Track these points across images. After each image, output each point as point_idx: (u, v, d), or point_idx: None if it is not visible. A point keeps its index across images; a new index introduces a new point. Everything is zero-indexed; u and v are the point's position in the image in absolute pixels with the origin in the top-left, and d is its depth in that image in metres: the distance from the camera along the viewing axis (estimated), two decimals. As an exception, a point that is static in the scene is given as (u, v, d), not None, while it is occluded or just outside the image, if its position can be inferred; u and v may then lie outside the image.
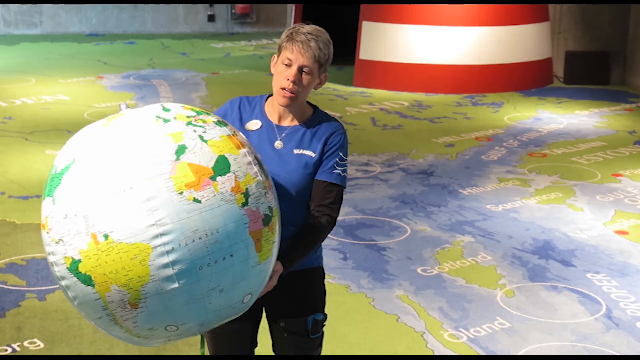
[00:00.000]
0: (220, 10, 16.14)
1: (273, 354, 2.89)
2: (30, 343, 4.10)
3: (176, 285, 2.18)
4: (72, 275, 2.22)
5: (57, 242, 2.23)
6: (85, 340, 4.12)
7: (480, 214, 6.11)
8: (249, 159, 2.34)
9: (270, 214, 2.35)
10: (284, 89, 2.62)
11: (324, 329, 2.87)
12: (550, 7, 11.57)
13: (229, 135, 2.35)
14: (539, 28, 11.15)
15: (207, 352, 2.86)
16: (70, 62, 12.27)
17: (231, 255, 2.23)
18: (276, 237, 2.39)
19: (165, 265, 2.17)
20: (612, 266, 5.23)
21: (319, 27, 2.66)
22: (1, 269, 4.96)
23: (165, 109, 2.34)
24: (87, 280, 2.20)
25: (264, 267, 2.35)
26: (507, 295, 4.80)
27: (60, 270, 2.25)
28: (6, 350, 4.04)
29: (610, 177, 7.10)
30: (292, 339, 2.79)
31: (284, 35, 2.64)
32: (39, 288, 4.70)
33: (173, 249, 2.17)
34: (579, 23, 11.54)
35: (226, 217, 2.22)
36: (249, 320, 2.79)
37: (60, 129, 8.21)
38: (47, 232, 2.26)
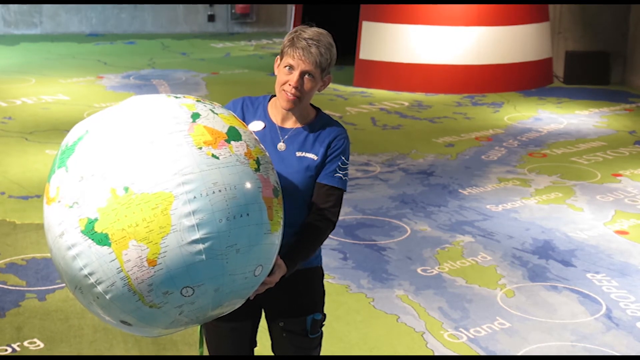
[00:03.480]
0: (220, 10, 16.14)
1: (272, 353, 2.89)
2: (30, 343, 4.10)
3: (197, 236, 2.19)
4: (87, 237, 2.20)
5: (71, 207, 2.23)
6: (85, 340, 4.12)
7: (480, 214, 6.11)
8: (255, 136, 2.47)
9: (278, 188, 2.44)
10: (287, 93, 2.63)
11: (324, 328, 2.87)
12: (550, 7, 11.57)
13: (235, 116, 2.48)
14: (538, 28, 11.15)
15: (206, 352, 2.87)
16: (70, 62, 12.27)
17: (247, 214, 2.27)
18: (282, 215, 2.44)
19: (187, 215, 2.19)
20: (612, 266, 5.23)
21: (321, 30, 2.66)
22: (1, 269, 4.96)
23: (174, 96, 2.44)
24: (103, 239, 2.19)
25: (274, 239, 2.38)
26: (507, 295, 4.80)
27: (71, 237, 2.23)
28: (6, 350, 4.04)
29: (610, 177, 7.10)
30: (291, 339, 2.79)
31: (286, 39, 2.65)
32: (39, 288, 4.70)
33: (195, 197, 2.20)
34: (579, 23, 11.54)
35: (242, 176, 2.29)
36: (248, 320, 2.80)
37: (60, 129, 8.21)
38: (59, 202, 2.26)
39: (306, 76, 2.62)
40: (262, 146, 2.47)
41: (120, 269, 2.20)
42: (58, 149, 2.40)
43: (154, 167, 2.20)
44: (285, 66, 2.63)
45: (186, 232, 2.19)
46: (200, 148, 2.25)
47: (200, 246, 2.20)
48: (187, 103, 2.37)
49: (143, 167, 2.20)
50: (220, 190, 2.23)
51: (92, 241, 2.20)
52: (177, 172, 2.20)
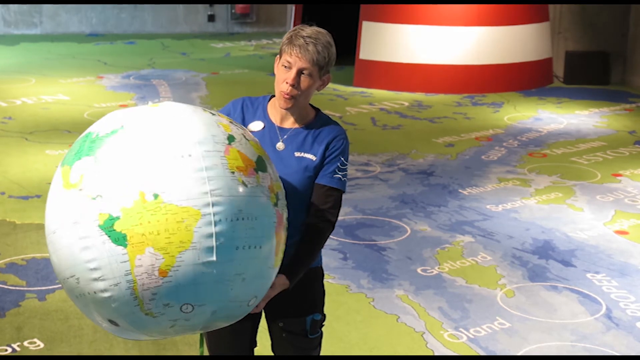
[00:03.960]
0: (220, 10, 16.14)
1: (272, 354, 2.89)
2: (30, 343, 4.10)
3: (213, 258, 2.20)
4: (103, 233, 2.18)
5: (94, 198, 2.20)
6: (85, 340, 4.12)
7: (480, 214, 6.11)
8: (275, 170, 2.50)
9: (288, 226, 2.48)
10: (284, 92, 2.64)
11: (324, 329, 2.87)
12: (550, 7, 11.57)
13: (260, 145, 2.49)
14: (538, 28, 11.15)
15: (206, 352, 2.87)
16: (70, 62, 12.27)
17: (260, 247, 2.30)
18: (284, 251, 2.48)
19: (209, 235, 2.20)
20: (612, 266, 5.23)
21: (319, 29, 2.66)
22: (1, 269, 4.96)
23: (210, 112, 2.45)
24: (120, 239, 2.17)
25: (273, 273, 2.42)
26: (507, 295, 4.80)
27: (86, 228, 2.20)
28: (6, 350, 4.04)
29: (610, 177, 7.10)
30: (291, 339, 2.80)
31: (284, 38, 2.66)
32: (39, 288, 4.70)
33: (220, 220, 2.21)
34: (579, 23, 11.54)
35: (263, 208, 2.32)
36: (248, 320, 2.80)
37: (60, 129, 8.21)
38: (80, 189, 2.23)
39: (303, 74, 2.62)
40: (281, 182, 2.50)
41: (129, 271, 2.18)
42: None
43: (187, 181, 2.20)
44: (283, 64, 2.63)
45: (203, 252, 2.20)
46: (233, 172, 2.27)
47: (213, 269, 2.22)
48: (222, 122, 2.37)
49: (177, 179, 2.19)
50: (242, 219, 2.26)
51: (108, 238, 2.18)
52: (209, 192, 2.21)
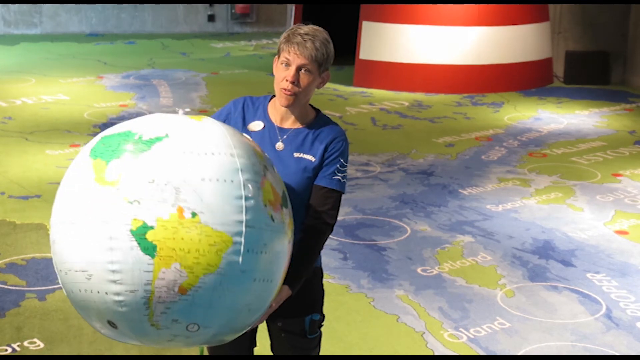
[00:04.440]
0: (220, 10, 16.14)
1: (272, 354, 2.89)
2: (30, 343, 4.10)
3: (234, 286, 2.24)
4: (132, 239, 2.16)
5: (130, 202, 2.17)
6: (85, 340, 4.12)
7: (480, 214, 6.11)
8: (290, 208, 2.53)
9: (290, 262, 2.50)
10: (284, 89, 2.64)
11: (324, 329, 2.87)
12: (550, 7, 11.57)
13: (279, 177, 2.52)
14: (538, 28, 11.15)
15: (206, 352, 2.87)
16: (70, 62, 12.27)
17: (271, 281, 2.35)
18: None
19: (235, 263, 2.21)
20: (612, 266, 5.23)
21: (317, 27, 2.67)
22: (1, 269, 4.96)
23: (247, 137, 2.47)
24: (149, 248, 2.16)
25: (269, 306, 2.46)
26: (507, 295, 4.80)
27: (116, 230, 2.17)
28: (6, 350, 4.04)
29: (610, 177, 7.10)
30: (290, 339, 2.79)
31: (282, 37, 2.67)
32: (39, 288, 4.70)
33: (247, 251, 2.24)
34: (579, 23, 11.54)
35: (283, 245, 2.37)
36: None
37: (60, 129, 8.21)
38: (117, 190, 2.19)
39: (302, 71, 2.63)
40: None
41: (150, 282, 2.17)
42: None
43: (226, 206, 2.21)
44: (282, 63, 2.64)
45: (226, 279, 2.22)
46: (265, 206, 2.30)
47: (229, 296, 2.24)
48: (257, 149, 2.40)
49: (216, 202, 2.20)
50: (266, 252, 2.29)
51: (137, 245, 2.16)
52: (243, 221, 2.23)
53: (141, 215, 2.16)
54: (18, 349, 4.05)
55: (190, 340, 2.30)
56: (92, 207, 2.21)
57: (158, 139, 2.25)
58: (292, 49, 2.61)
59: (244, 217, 2.23)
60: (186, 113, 2.45)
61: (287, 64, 2.63)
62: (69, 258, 2.27)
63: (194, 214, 2.17)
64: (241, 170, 2.26)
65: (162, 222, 2.16)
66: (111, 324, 2.29)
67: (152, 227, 2.16)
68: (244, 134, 2.47)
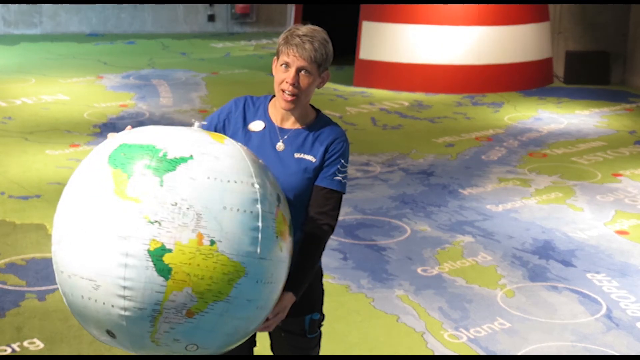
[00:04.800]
0: (220, 10, 16.14)
1: (272, 353, 2.89)
2: (30, 343, 4.10)
3: (239, 314, 2.27)
4: (149, 259, 2.15)
5: (151, 223, 2.16)
6: (85, 340, 4.12)
7: (480, 214, 6.11)
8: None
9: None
10: (284, 91, 2.63)
11: (324, 329, 2.87)
12: (550, 7, 11.57)
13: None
14: (538, 28, 11.15)
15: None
16: (70, 62, 12.27)
17: (267, 308, 2.38)
18: None
19: (245, 293, 2.25)
20: (612, 266, 5.23)
21: (315, 27, 2.66)
22: (1, 269, 4.96)
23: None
24: (164, 270, 2.15)
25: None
26: (507, 295, 4.80)
27: (134, 248, 2.15)
28: (6, 350, 4.04)
29: (610, 177, 7.10)
30: (289, 339, 2.79)
31: (280, 39, 2.66)
32: (39, 288, 4.70)
33: (257, 282, 2.27)
34: (579, 23, 11.54)
35: (283, 273, 2.41)
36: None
37: (60, 129, 8.21)
38: (138, 207, 2.17)
39: (302, 72, 2.62)
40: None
41: (159, 302, 2.17)
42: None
43: (244, 237, 2.23)
44: (282, 64, 2.63)
45: (234, 307, 2.24)
46: (277, 237, 2.34)
47: (233, 322, 2.27)
48: (270, 178, 2.41)
49: (234, 232, 2.22)
50: (271, 283, 2.33)
51: (152, 265, 2.16)
52: (258, 253, 2.26)
53: (161, 237, 2.16)
54: (18, 349, 4.05)
55: (193, 353, 2.33)
56: (110, 220, 2.19)
57: (183, 159, 2.24)
58: (291, 50, 2.61)
59: (258, 249, 2.26)
60: (201, 125, 2.46)
61: (287, 66, 2.63)
62: (76, 263, 2.24)
63: (212, 242, 2.18)
64: (260, 202, 2.29)
65: (180, 247, 2.16)
66: (110, 333, 2.28)
67: (170, 250, 2.16)
68: (258, 158, 2.46)
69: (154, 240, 2.16)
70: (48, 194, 6.26)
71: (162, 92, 10.18)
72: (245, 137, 2.71)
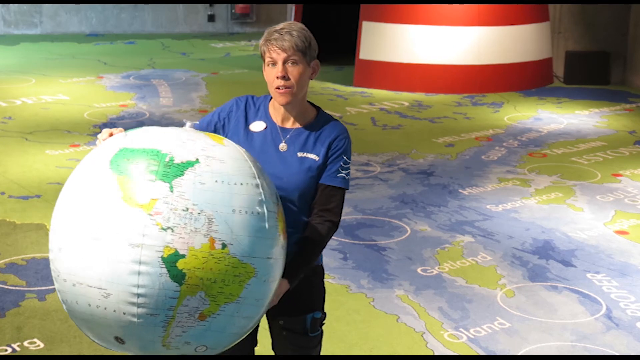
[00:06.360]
0: (220, 10, 16.14)
1: (273, 353, 2.89)
2: (30, 343, 4.10)
3: (247, 313, 2.29)
4: (163, 265, 2.15)
5: (164, 229, 2.15)
6: (85, 340, 4.12)
7: (480, 214, 6.11)
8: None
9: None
10: (278, 87, 2.64)
11: (324, 328, 2.87)
12: (550, 7, 11.57)
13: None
14: (538, 28, 11.15)
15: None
16: (70, 62, 12.27)
17: (266, 304, 2.40)
18: None
19: (254, 293, 2.27)
20: (612, 266, 5.23)
21: (290, 22, 2.71)
22: (1, 269, 4.96)
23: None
24: (178, 276, 2.16)
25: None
26: (507, 295, 4.80)
27: (147, 255, 2.14)
28: (6, 350, 4.04)
29: (610, 177, 7.10)
30: (291, 337, 2.80)
31: (261, 41, 2.70)
32: (39, 288, 4.70)
33: (264, 281, 2.30)
34: (579, 23, 11.54)
35: (282, 270, 2.43)
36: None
37: (60, 129, 8.21)
38: (150, 214, 2.16)
39: (289, 64, 2.64)
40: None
41: (173, 307, 2.18)
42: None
43: (254, 239, 2.25)
44: (268, 64, 2.66)
45: (244, 307, 2.27)
46: (280, 235, 2.36)
47: (241, 323, 2.30)
48: (269, 181, 2.42)
49: (244, 234, 2.23)
50: (274, 280, 2.37)
51: (166, 272, 2.15)
52: (267, 253, 2.29)
53: (174, 243, 2.16)
54: (18, 349, 4.05)
55: (201, 353, 2.34)
56: (120, 228, 2.16)
57: (190, 163, 2.24)
58: (272, 46, 2.64)
59: (266, 250, 2.29)
60: (193, 125, 2.48)
61: (274, 63, 2.65)
62: (83, 272, 2.20)
63: (224, 245, 2.20)
64: (265, 202, 2.31)
65: (193, 252, 2.17)
66: (118, 339, 2.26)
67: (183, 256, 2.16)
68: (254, 158, 2.47)
69: (167, 246, 2.16)
70: (48, 194, 6.26)
71: (162, 92, 10.19)
72: (246, 137, 2.72)
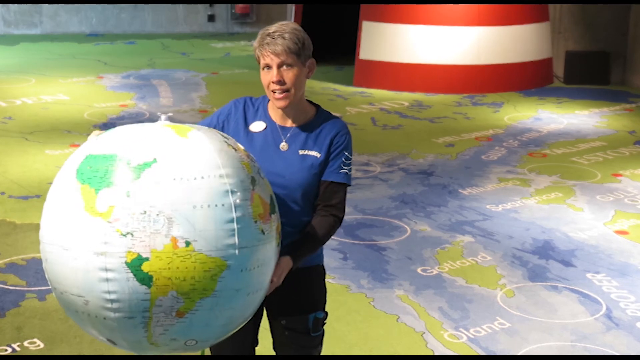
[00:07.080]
0: (220, 10, 16.14)
1: (274, 353, 2.89)
2: (30, 343, 4.10)
3: (229, 304, 2.27)
4: (128, 270, 2.17)
5: (124, 235, 2.17)
6: (85, 340, 4.12)
7: (480, 214, 6.11)
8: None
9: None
10: (274, 92, 2.65)
11: (324, 328, 2.87)
12: (550, 7, 11.57)
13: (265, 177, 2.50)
14: (538, 28, 11.15)
15: (207, 352, 2.86)
16: (70, 62, 12.27)
17: (260, 291, 2.39)
18: None
19: (232, 284, 2.25)
20: (612, 266, 5.23)
21: (282, 22, 2.69)
22: (1, 269, 4.96)
23: (224, 140, 2.41)
24: (145, 279, 2.17)
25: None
26: (507, 295, 4.80)
27: (112, 263, 2.17)
28: (6, 350, 4.04)
29: (610, 177, 7.10)
30: (293, 337, 2.79)
31: (255, 44, 2.69)
32: (39, 288, 4.70)
33: (242, 271, 2.27)
34: (579, 23, 11.54)
35: (271, 252, 2.39)
36: (250, 319, 2.79)
37: (60, 129, 8.21)
38: (109, 222, 2.18)
39: (284, 67, 2.64)
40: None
41: (147, 309, 2.20)
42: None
43: (218, 232, 2.22)
44: (263, 68, 2.67)
45: (222, 300, 2.25)
46: (256, 222, 2.31)
47: (226, 314, 2.29)
48: (244, 160, 2.36)
49: (208, 228, 2.21)
50: (258, 267, 2.33)
51: (133, 276, 2.17)
52: (236, 244, 2.25)
53: (135, 248, 2.17)
54: (18, 349, 4.05)
55: (190, 350, 2.36)
56: (84, 238, 2.21)
57: (147, 164, 2.23)
58: (266, 51, 2.64)
59: (236, 240, 2.25)
60: (169, 118, 2.43)
61: (268, 67, 2.65)
62: (64, 282, 2.28)
63: (187, 243, 2.19)
64: (231, 192, 2.26)
65: (156, 254, 2.17)
66: (110, 341, 2.32)
67: (147, 259, 2.17)
68: (231, 138, 2.45)
69: (129, 252, 2.17)
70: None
71: (162, 92, 10.19)
72: (247, 138, 2.72)
